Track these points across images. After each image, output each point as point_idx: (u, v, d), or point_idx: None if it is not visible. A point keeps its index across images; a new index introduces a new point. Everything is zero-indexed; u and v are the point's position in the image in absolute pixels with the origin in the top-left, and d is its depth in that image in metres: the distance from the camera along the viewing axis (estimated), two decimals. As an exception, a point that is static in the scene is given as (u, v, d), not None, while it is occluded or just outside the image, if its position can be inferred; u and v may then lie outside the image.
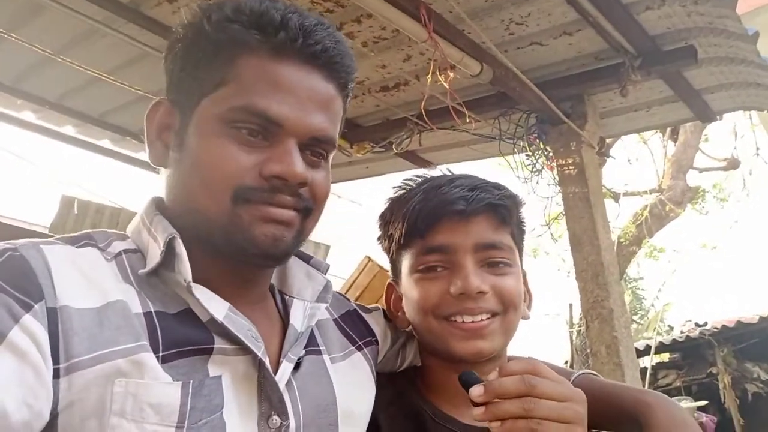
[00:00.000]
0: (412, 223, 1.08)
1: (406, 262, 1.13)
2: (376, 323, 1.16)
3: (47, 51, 3.24)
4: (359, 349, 1.08)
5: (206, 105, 0.85)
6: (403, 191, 1.16)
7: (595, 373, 1.17)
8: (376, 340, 1.13)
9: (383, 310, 1.22)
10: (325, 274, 1.03)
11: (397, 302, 1.17)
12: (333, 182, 0.96)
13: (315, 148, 0.88)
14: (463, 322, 1.04)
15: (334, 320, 1.09)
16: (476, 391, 0.86)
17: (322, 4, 2.86)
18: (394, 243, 1.15)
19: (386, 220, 1.17)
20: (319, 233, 0.94)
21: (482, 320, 1.04)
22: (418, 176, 1.18)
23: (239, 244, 0.84)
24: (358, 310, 1.16)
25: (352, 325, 1.11)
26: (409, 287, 1.12)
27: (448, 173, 1.17)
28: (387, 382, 1.13)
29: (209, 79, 0.85)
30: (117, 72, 3.50)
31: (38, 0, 2.85)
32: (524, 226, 1.19)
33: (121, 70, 3.49)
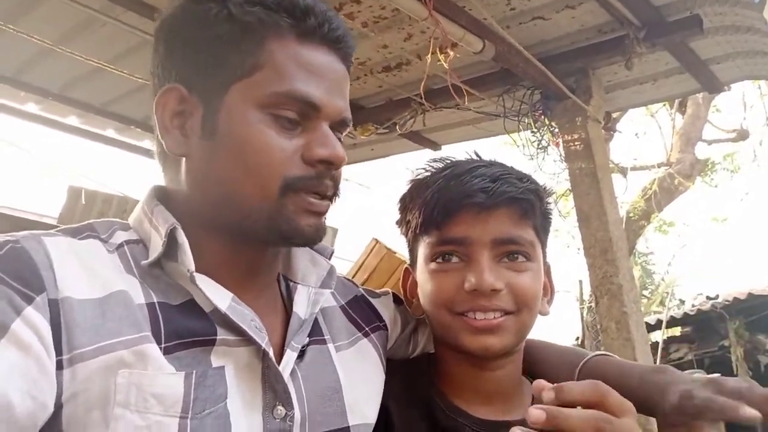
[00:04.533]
0: (429, 212, 1.06)
1: (422, 250, 1.10)
2: (385, 308, 1.15)
3: (47, 42, 3.23)
4: (366, 335, 1.07)
5: (239, 90, 0.83)
6: (426, 174, 1.13)
7: (610, 353, 1.14)
8: (385, 325, 1.12)
9: (393, 294, 1.21)
10: (329, 259, 1.02)
11: (413, 288, 1.15)
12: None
13: (339, 131, 0.90)
14: (475, 318, 1.02)
15: (341, 307, 1.08)
16: (546, 394, 0.76)
17: (320, -16, 2.83)
18: (411, 230, 1.12)
19: (405, 205, 1.15)
20: (327, 216, 0.94)
21: (494, 318, 1.02)
22: (442, 159, 1.14)
23: (284, 234, 0.85)
24: (366, 295, 1.15)
25: (360, 311, 1.10)
26: (424, 277, 1.09)
27: (474, 158, 1.13)
28: (399, 369, 1.11)
29: (238, 63, 0.83)
30: (118, 61, 3.49)
31: (35, -10, 2.84)
32: (549, 218, 1.14)
33: (122, 59, 3.48)
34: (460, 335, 1.04)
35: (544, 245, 1.12)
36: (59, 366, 0.70)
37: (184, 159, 0.87)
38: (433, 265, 1.07)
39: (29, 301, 0.70)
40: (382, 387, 1.05)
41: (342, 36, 0.88)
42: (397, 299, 1.20)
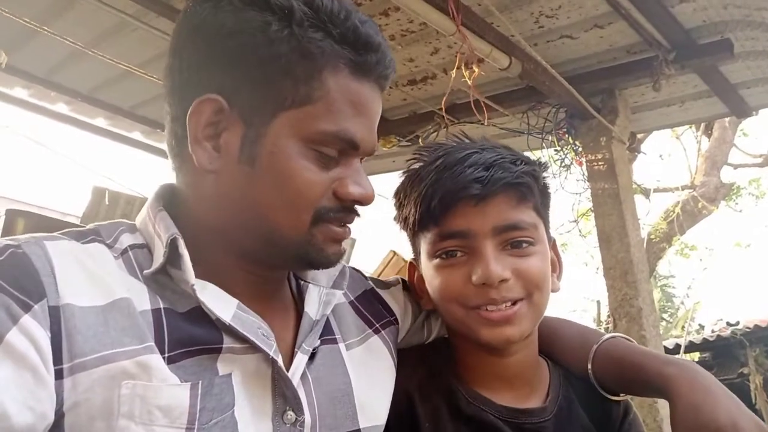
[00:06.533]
0: (425, 207, 1.04)
1: (423, 246, 1.08)
2: (395, 300, 1.13)
3: (79, 44, 3.29)
4: (377, 332, 1.06)
5: (288, 119, 0.80)
6: (418, 165, 1.10)
7: (627, 336, 1.11)
8: (396, 319, 1.11)
9: (402, 281, 1.18)
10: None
11: (420, 282, 1.13)
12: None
13: (364, 159, 0.91)
14: (488, 311, 1.01)
15: (351, 302, 1.06)
16: None
17: (350, -3, 2.85)
18: (409, 226, 1.11)
19: (400, 200, 1.13)
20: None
21: (507, 307, 1.01)
22: (433, 146, 1.12)
23: (312, 262, 0.88)
24: (375, 288, 1.13)
25: (369, 306, 1.08)
26: (429, 273, 1.08)
27: (464, 143, 1.11)
28: (421, 359, 1.10)
29: (291, 89, 0.80)
30: (148, 65, 3.53)
31: (71, -6, 2.89)
32: (549, 193, 1.12)
33: (151, 64, 3.52)
34: (477, 329, 1.02)
35: (546, 221, 1.10)
36: (59, 375, 0.69)
37: (213, 175, 0.83)
38: (436, 261, 1.06)
39: (27, 309, 0.68)
40: (393, 386, 1.03)
41: (390, 73, 0.88)
42: (407, 286, 1.18)
